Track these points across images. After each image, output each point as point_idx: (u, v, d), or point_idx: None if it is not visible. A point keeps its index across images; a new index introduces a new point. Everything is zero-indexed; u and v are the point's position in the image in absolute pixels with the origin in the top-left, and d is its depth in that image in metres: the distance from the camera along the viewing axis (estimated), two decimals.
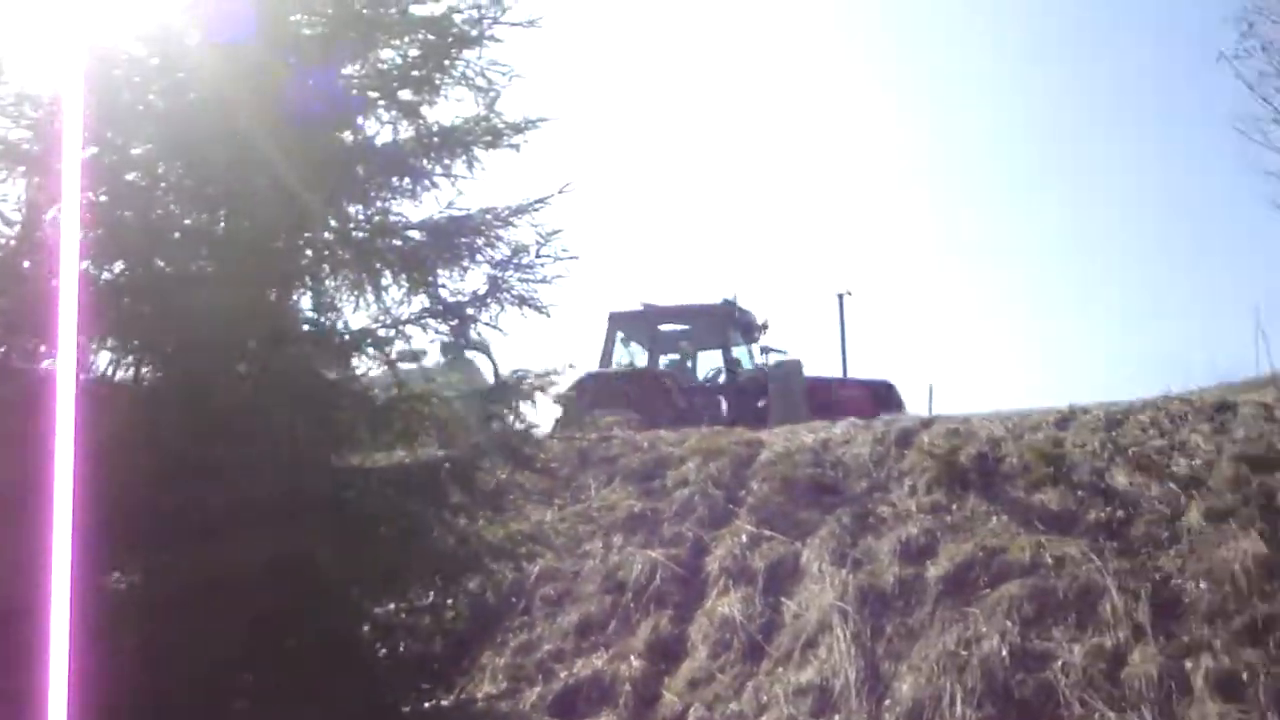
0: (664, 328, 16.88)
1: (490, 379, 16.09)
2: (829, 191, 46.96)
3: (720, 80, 45.87)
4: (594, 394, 14.68)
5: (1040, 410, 10.35)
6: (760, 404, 15.10)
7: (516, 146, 7.11)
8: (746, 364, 16.60)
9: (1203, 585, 7.57)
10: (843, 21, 46.07)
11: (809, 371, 15.57)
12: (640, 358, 16.50)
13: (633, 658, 8.40)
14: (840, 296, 17.05)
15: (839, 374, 16.52)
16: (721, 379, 16.40)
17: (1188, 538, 8.02)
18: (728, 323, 16.47)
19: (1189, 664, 7.06)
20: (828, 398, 14.59)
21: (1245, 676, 6.87)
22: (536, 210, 6.96)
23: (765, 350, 16.65)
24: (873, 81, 46.44)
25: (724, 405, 15.87)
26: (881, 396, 15.20)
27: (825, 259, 44.67)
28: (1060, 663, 7.28)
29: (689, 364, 16.75)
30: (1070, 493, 8.80)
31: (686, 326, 16.94)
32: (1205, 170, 41.00)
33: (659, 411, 14.36)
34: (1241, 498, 8.20)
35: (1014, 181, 43.73)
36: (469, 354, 16.39)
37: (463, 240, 6.88)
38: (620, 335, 16.47)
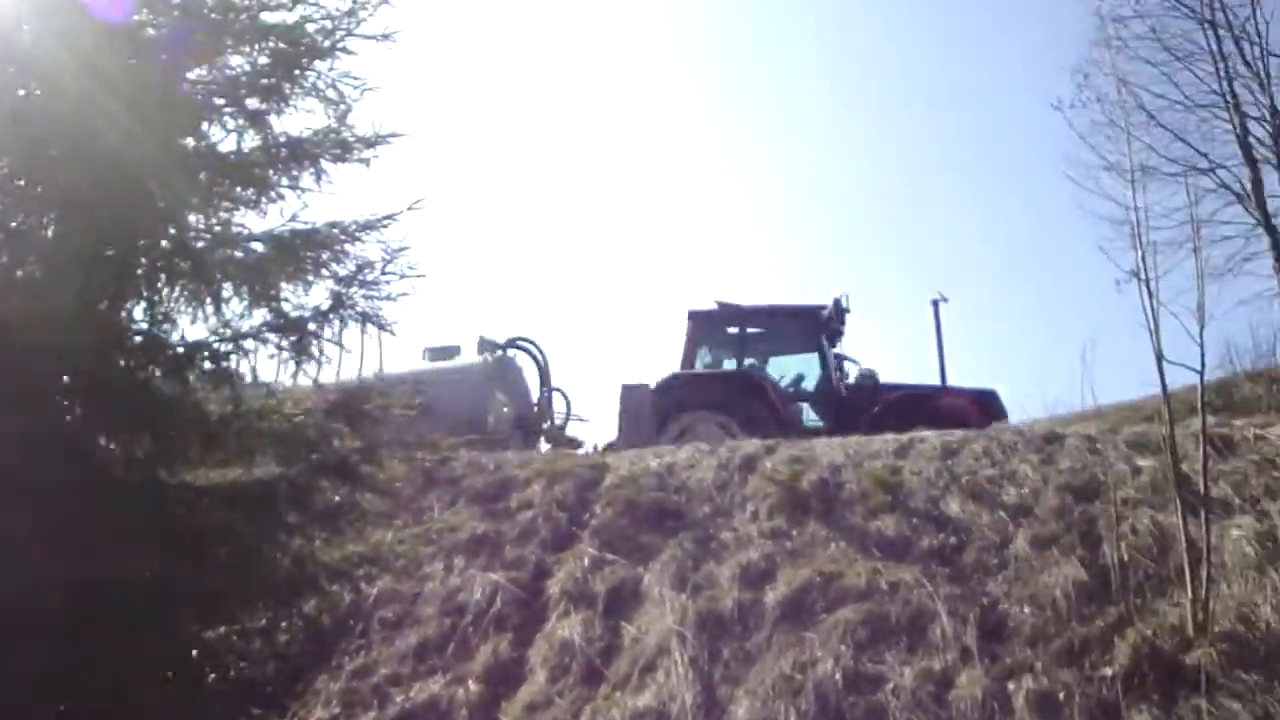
0: (746, 329, 15.42)
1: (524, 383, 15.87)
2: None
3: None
4: (681, 396, 14.00)
5: (880, 438, 10.62)
6: (875, 410, 13.51)
7: (367, 161, 7.04)
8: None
9: (1026, 610, 7.88)
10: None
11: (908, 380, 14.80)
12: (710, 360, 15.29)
13: (471, 681, 8.30)
14: (935, 303, 15.55)
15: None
16: (806, 385, 15.16)
17: (1015, 564, 8.34)
18: (821, 325, 15.05)
19: (1011, 685, 7.31)
20: (933, 406, 13.27)
21: (1062, 696, 7.14)
22: (384, 227, 6.88)
23: (840, 358, 15.52)
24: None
25: (811, 413, 14.73)
26: (988, 405, 13.70)
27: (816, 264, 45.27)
28: (891, 685, 7.45)
29: (764, 369, 15.33)
30: (906, 519, 9.06)
31: (769, 329, 15.49)
32: (1039, 211, 42.87)
33: (757, 417, 13.32)
34: (1065, 525, 8.59)
35: (851, 216, 45.18)
36: (511, 352, 16.06)
37: (307, 254, 6.75)
38: (698, 335, 15.23)
